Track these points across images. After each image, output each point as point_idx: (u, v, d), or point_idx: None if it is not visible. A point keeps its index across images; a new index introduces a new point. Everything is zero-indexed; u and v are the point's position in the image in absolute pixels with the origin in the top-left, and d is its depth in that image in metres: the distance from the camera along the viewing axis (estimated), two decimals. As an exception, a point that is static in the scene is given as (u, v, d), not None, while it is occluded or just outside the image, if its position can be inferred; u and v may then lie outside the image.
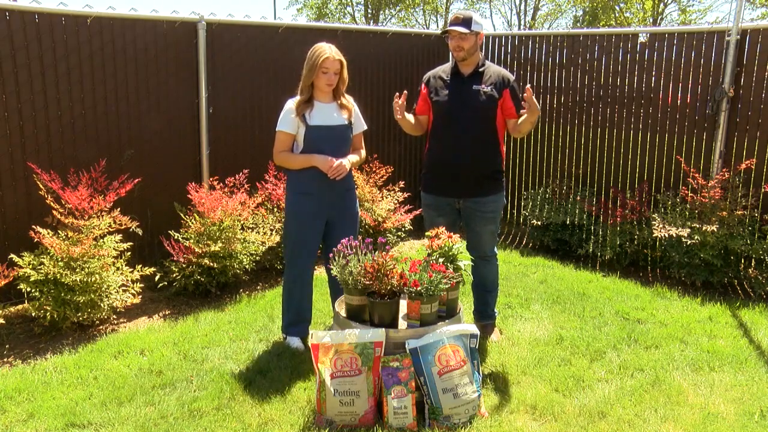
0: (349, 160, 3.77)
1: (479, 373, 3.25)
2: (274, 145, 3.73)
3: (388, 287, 3.18)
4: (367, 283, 3.16)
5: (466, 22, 3.71)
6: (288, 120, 3.68)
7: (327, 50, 3.61)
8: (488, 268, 4.06)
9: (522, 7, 28.94)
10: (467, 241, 4.02)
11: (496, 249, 4.09)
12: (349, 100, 3.83)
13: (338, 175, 3.67)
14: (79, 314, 4.05)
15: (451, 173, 3.86)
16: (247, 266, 4.87)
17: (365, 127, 3.97)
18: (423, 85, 3.97)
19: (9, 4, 4.23)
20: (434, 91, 3.88)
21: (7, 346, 3.95)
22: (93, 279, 4.03)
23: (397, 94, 3.80)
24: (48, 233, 4.10)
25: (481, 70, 3.81)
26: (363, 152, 3.97)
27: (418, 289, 3.09)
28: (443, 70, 3.94)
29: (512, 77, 3.84)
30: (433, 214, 4.01)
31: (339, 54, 3.65)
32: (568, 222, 5.95)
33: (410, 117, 3.92)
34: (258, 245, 4.91)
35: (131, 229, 4.41)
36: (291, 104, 3.70)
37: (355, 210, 3.94)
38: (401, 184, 6.16)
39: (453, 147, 3.79)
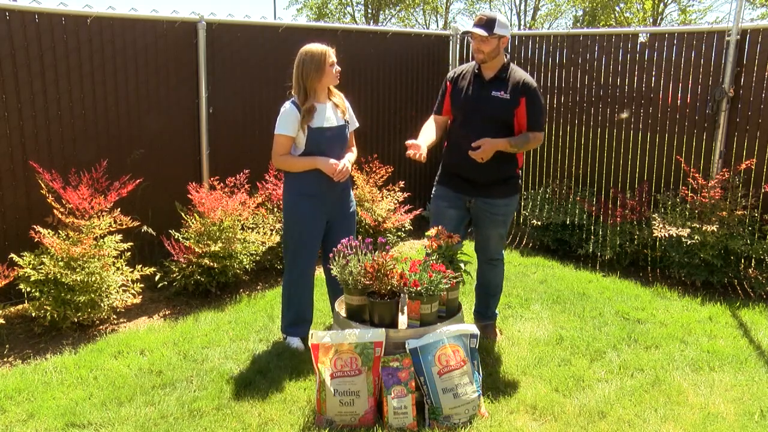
0: (349, 161, 3.77)
1: (479, 373, 3.24)
2: (273, 148, 3.70)
3: (388, 287, 3.18)
4: (367, 283, 3.16)
5: (489, 24, 3.56)
6: (290, 124, 3.62)
7: (324, 46, 3.63)
8: (494, 272, 4.02)
9: (522, 7, 28.97)
10: (475, 242, 4.01)
11: (503, 253, 4.04)
12: (340, 96, 3.83)
13: (343, 178, 3.68)
14: (79, 314, 4.05)
15: (464, 176, 3.78)
16: (247, 266, 4.87)
17: (357, 124, 3.98)
18: (448, 83, 3.85)
19: (9, 4, 4.22)
20: (456, 92, 3.79)
21: (7, 346, 3.95)
22: (93, 279, 4.03)
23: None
24: (48, 233, 4.10)
25: (504, 75, 3.66)
26: (354, 149, 3.96)
27: (418, 289, 3.09)
28: (468, 69, 3.81)
29: (533, 84, 3.65)
30: (443, 205, 3.88)
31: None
32: (568, 222, 5.95)
33: (429, 140, 3.75)
34: (258, 245, 4.91)
35: (143, 230, 4.40)
36: (292, 109, 3.63)
37: (353, 209, 3.95)
38: (401, 184, 6.15)
39: (467, 151, 3.63)
